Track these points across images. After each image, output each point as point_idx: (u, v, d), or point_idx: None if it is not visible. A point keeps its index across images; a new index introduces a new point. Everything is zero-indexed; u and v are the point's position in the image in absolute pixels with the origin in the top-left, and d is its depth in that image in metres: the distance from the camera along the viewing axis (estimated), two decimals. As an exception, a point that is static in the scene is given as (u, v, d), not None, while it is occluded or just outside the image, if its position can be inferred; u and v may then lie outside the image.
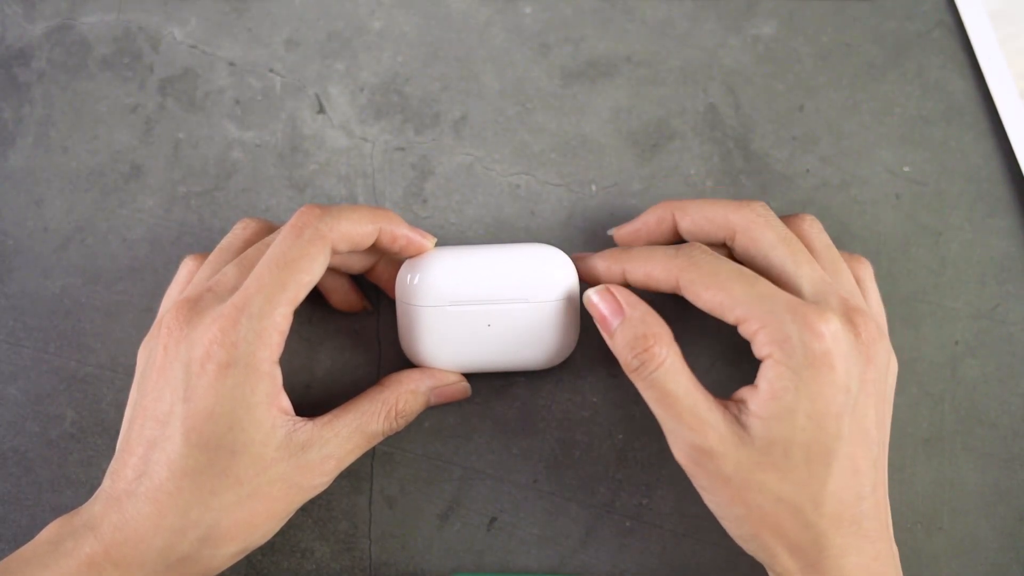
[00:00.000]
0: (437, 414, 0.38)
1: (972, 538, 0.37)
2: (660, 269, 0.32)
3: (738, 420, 0.30)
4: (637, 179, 0.39)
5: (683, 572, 0.37)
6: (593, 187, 0.39)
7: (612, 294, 0.32)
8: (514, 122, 0.39)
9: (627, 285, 0.34)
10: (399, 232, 0.33)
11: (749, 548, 0.31)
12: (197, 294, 0.31)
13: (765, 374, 0.29)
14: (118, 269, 0.39)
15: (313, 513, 0.37)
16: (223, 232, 0.36)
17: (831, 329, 0.29)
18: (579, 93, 0.39)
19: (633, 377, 0.31)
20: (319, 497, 0.37)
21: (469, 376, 0.36)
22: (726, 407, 0.30)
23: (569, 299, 0.35)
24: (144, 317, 0.38)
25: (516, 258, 0.34)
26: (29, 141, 0.39)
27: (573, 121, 0.39)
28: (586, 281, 0.35)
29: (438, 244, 0.35)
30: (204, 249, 0.38)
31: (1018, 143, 0.38)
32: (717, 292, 0.30)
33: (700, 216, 0.33)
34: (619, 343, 0.31)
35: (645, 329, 0.31)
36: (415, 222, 0.39)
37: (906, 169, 0.39)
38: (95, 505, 0.30)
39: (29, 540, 0.30)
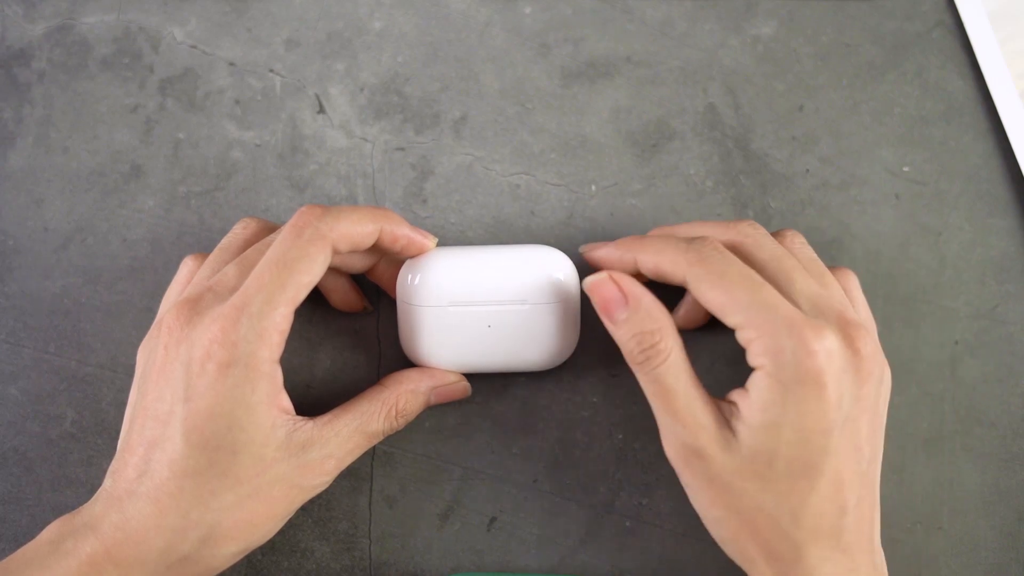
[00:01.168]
0: (437, 414, 0.38)
1: (972, 538, 0.37)
2: (669, 262, 0.32)
3: (728, 424, 0.30)
4: (637, 179, 0.39)
5: (683, 572, 0.37)
6: (593, 187, 0.39)
7: (615, 281, 0.31)
8: (514, 122, 0.39)
9: (637, 275, 0.33)
10: (400, 232, 0.33)
11: (728, 551, 0.31)
12: (197, 294, 0.31)
13: (756, 383, 0.29)
14: (118, 269, 0.39)
15: (313, 513, 0.37)
16: (223, 232, 0.36)
17: (825, 346, 0.28)
18: (579, 93, 0.39)
19: (635, 368, 0.31)
20: (319, 497, 0.37)
21: (469, 376, 0.36)
22: (719, 409, 0.30)
23: (569, 300, 0.35)
24: (144, 317, 0.38)
25: (517, 259, 0.34)
26: (29, 141, 0.39)
27: (573, 121, 0.39)
28: (596, 270, 0.35)
29: (439, 244, 0.35)
30: (204, 249, 0.38)
31: (1018, 143, 0.38)
32: (720, 293, 0.30)
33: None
34: (624, 333, 0.31)
35: (652, 323, 0.31)
36: (415, 222, 0.39)
37: (906, 169, 0.39)
38: (96, 505, 0.30)
39: (29, 540, 0.30)
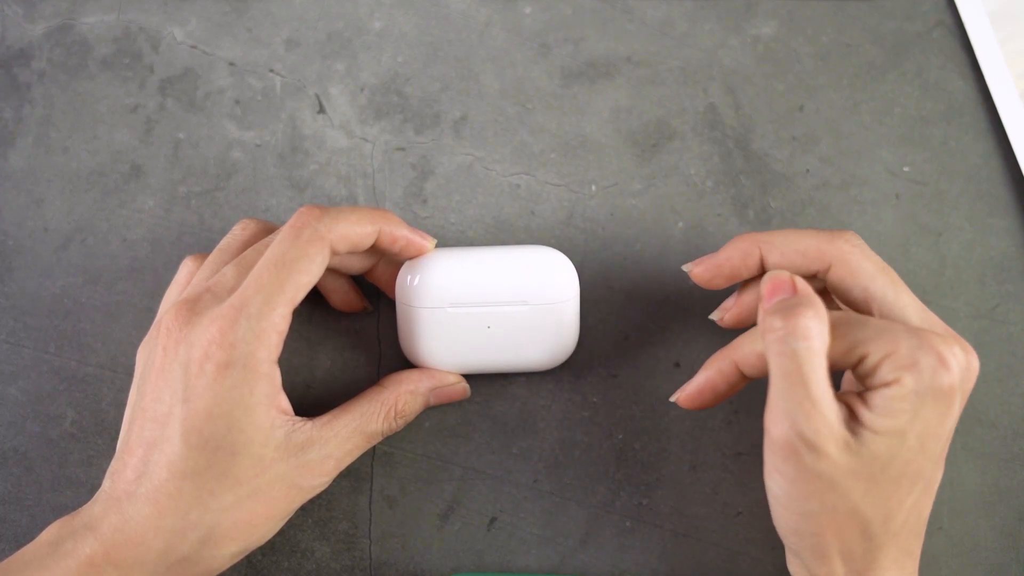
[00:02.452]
0: (437, 414, 0.38)
1: (972, 538, 0.37)
2: (814, 248, 0.32)
3: (847, 425, 0.29)
4: (637, 179, 0.39)
5: (683, 572, 0.37)
6: (593, 187, 0.39)
7: (792, 278, 0.30)
8: (514, 122, 0.39)
9: (759, 271, 0.33)
10: (399, 233, 0.33)
11: (797, 543, 0.31)
12: (196, 295, 0.31)
13: (886, 394, 0.28)
14: (118, 269, 0.39)
15: (313, 513, 0.37)
16: (223, 232, 0.36)
17: (957, 360, 0.29)
18: (579, 93, 0.39)
19: (770, 339, 0.28)
20: (319, 497, 0.37)
21: (469, 376, 0.36)
22: (840, 408, 0.29)
23: (569, 301, 0.35)
24: (144, 317, 0.38)
25: (516, 260, 0.34)
26: (29, 141, 0.39)
27: (573, 121, 0.39)
28: (714, 279, 0.34)
29: (438, 245, 0.35)
30: (204, 249, 0.38)
31: (1018, 143, 0.38)
32: (870, 285, 0.31)
33: (791, 249, 0.32)
34: (772, 306, 0.29)
35: (809, 302, 0.29)
36: (415, 222, 0.39)
37: (906, 169, 0.39)
38: (95, 506, 0.30)
39: (29, 540, 0.30)
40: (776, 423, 0.28)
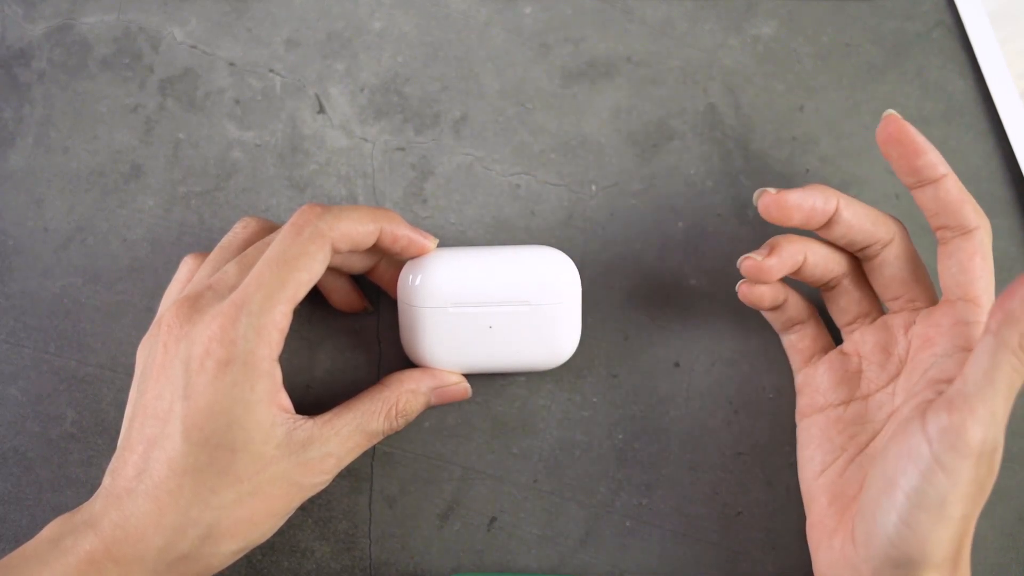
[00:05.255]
0: (437, 414, 0.38)
1: (972, 538, 0.37)
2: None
3: None
4: (637, 179, 0.39)
5: (683, 572, 0.37)
6: (593, 187, 0.39)
7: None
8: (514, 122, 0.39)
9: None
10: (400, 232, 0.33)
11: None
12: (197, 292, 0.31)
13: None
14: (118, 269, 0.39)
15: (313, 513, 0.37)
16: (223, 232, 0.36)
17: None
18: (579, 93, 0.39)
19: (1016, 349, 0.26)
20: (319, 497, 0.37)
21: (469, 376, 0.36)
22: None
23: (570, 301, 0.35)
24: (144, 317, 0.38)
25: (518, 260, 0.34)
26: (29, 141, 0.39)
27: (573, 121, 0.39)
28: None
29: (439, 245, 0.35)
30: (204, 249, 0.38)
31: (1018, 143, 0.38)
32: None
33: (863, 212, 0.33)
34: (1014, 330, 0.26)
35: None
36: (415, 222, 0.39)
37: (906, 169, 0.39)
38: (95, 503, 0.30)
39: (29, 540, 0.30)
40: (978, 426, 0.27)
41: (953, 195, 0.32)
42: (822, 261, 0.34)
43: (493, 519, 0.37)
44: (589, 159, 0.39)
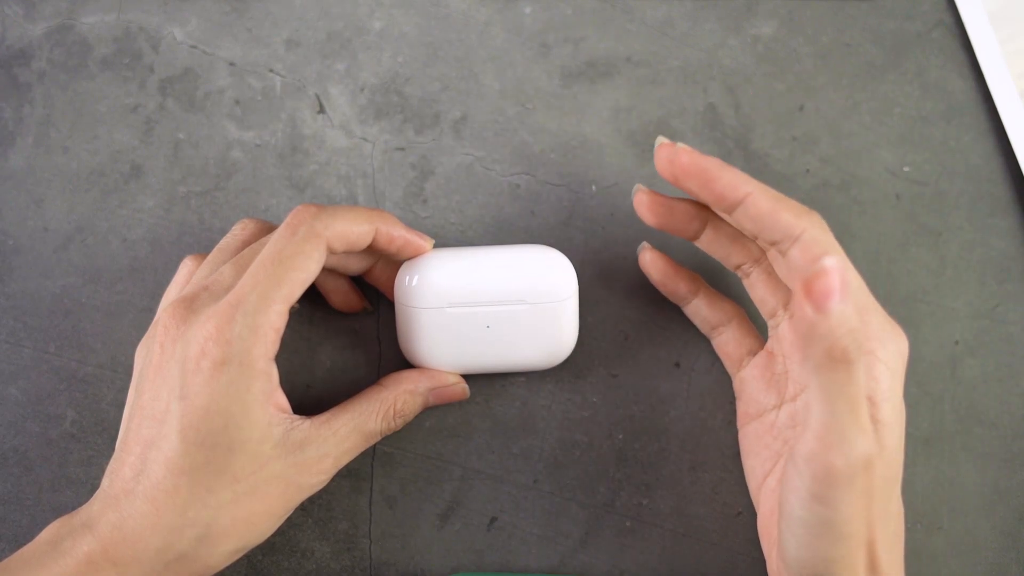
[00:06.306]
0: (437, 414, 0.38)
1: (972, 538, 0.37)
2: (793, 213, 0.29)
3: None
4: (637, 179, 0.39)
5: (683, 572, 0.37)
6: (593, 187, 0.39)
7: (844, 270, 0.25)
8: (514, 122, 0.39)
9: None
10: (396, 233, 0.33)
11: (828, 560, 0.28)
12: (193, 293, 0.31)
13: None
14: (118, 269, 0.39)
15: (313, 513, 0.37)
16: (223, 232, 0.36)
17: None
18: (579, 93, 0.39)
19: (829, 363, 0.25)
20: (319, 497, 0.37)
21: (469, 376, 0.36)
22: None
23: (568, 300, 0.35)
24: (144, 317, 0.38)
25: (515, 259, 0.34)
26: (29, 141, 0.39)
27: (573, 121, 0.39)
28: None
29: (438, 244, 0.35)
30: (204, 249, 0.38)
31: (1018, 143, 0.38)
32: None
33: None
34: (839, 325, 0.24)
35: (859, 323, 0.25)
36: (415, 222, 0.39)
37: (906, 169, 0.39)
38: (93, 505, 0.30)
39: (29, 540, 0.30)
40: (834, 452, 0.26)
41: (764, 208, 0.29)
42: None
43: (493, 519, 0.37)
44: (589, 159, 0.39)
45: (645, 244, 0.36)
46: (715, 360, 0.38)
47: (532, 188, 0.39)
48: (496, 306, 0.34)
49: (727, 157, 0.39)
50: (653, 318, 0.38)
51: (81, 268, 0.39)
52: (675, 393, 0.38)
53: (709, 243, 0.34)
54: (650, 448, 0.37)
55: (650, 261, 0.36)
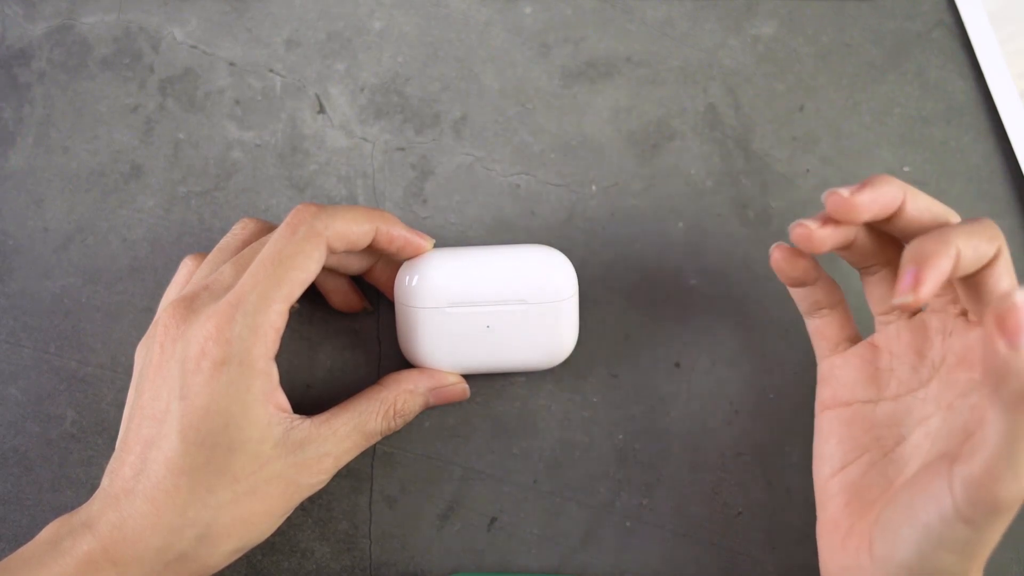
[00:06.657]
0: (437, 414, 0.38)
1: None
2: (986, 242, 0.27)
3: None
4: (637, 179, 0.39)
5: (683, 572, 0.37)
6: (593, 187, 0.39)
7: None
8: (514, 122, 0.39)
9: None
10: (396, 232, 0.33)
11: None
12: (193, 293, 0.31)
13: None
14: (118, 269, 0.39)
15: (313, 513, 0.37)
16: (223, 232, 0.36)
17: None
18: (579, 93, 0.39)
19: (1020, 404, 0.24)
20: (319, 497, 0.37)
21: (469, 376, 0.36)
22: None
23: (568, 300, 0.35)
24: (144, 317, 0.38)
25: (515, 259, 0.34)
26: (29, 141, 0.39)
27: (573, 121, 0.39)
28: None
29: (438, 244, 0.35)
30: (204, 249, 0.38)
31: (1018, 143, 0.38)
32: None
33: (926, 205, 0.29)
34: None
35: None
36: (415, 222, 0.39)
37: (906, 169, 0.39)
38: (93, 504, 0.30)
39: (29, 540, 0.30)
40: (997, 486, 0.25)
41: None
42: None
43: (493, 519, 0.37)
44: (589, 159, 0.39)
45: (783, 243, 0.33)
46: (715, 360, 0.38)
47: (532, 188, 0.39)
48: (496, 306, 0.34)
49: (727, 157, 0.39)
50: (653, 318, 0.38)
51: (81, 268, 0.39)
52: (675, 393, 0.38)
53: (853, 250, 0.32)
54: (650, 448, 0.37)
55: (788, 254, 0.33)
